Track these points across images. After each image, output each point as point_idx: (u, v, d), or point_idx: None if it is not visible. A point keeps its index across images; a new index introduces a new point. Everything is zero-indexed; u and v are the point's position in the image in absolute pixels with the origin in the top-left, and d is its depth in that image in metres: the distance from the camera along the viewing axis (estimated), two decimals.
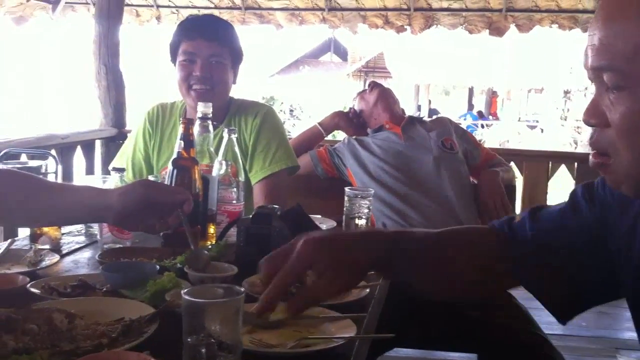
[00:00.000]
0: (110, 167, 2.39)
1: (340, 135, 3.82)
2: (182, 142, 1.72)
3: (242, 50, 2.41)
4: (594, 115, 0.91)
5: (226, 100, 2.41)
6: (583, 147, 17.81)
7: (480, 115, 22.54)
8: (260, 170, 2.31)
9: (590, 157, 0.93)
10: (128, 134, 4.63)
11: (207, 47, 2.27)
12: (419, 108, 22.27)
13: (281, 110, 18.82)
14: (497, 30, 5.32)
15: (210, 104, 1.90)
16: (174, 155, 1.73)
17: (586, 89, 18.79)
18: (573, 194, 1.18)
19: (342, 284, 1.10)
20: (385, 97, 2.84)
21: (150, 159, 2.42)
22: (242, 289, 0.97)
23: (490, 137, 17.52)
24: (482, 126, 19.63)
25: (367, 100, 2.88)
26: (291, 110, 21.55)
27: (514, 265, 1.19)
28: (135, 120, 2.54)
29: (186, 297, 0.93)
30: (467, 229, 1.34)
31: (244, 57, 2.42)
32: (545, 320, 2.26)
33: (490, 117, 22.29)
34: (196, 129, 1.83)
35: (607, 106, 0.88)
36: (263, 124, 2.35)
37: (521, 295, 2.32)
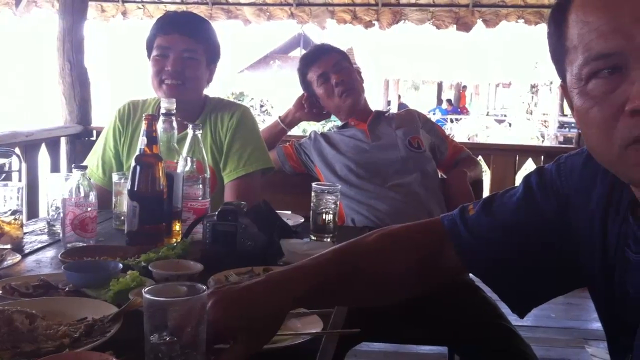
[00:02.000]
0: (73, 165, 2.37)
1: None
2: (145, 139, 1.70)
3: (219, 48, 2.39)
4: None
5: (199, 97, 2.39)
6: (549, 141, 18.07)
7: (450, 103, 22.70)
8: (234, 171, 2.31)
9: None
10: (94, 131, 4.62)
11: (181, 42, 2.25)
12: (388, 103, 22.35)
13: (251, 106, 18.73)
14: (464, 26, 5.35)
15: (174, 100, 1.88)
16: (137, 152, 1.71)
17: (551, 83, 19.03)
18: (526, 182, 1.16)
19: (261, 340, 1.03)
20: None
21: (120, 157, 2.39)
22: (205, 287, 0.96)
23: (459, 131, 17.64)
24: (451, 120, 19.77)
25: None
26: (261, 106, 21.48)
27: (469, 259, 1.17)
28: (101, 117, 2.51)
29: (147, 295, 0.92)
30: (408, 230, 1.30)
31: (220, 56, 2.40)
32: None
33: (460, 110, 22.44)
34: (160, 125, 1.80)
35: None
36: (239, 124, 2.34)
37: (488, 289, 2.36)
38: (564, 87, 0.97)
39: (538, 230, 1.10)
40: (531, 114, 18.91)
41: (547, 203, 1.11)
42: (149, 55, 2.33)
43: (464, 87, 23.81)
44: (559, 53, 0.93)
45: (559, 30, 0.92)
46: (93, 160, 2.41)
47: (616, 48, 0.83)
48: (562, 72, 0.95)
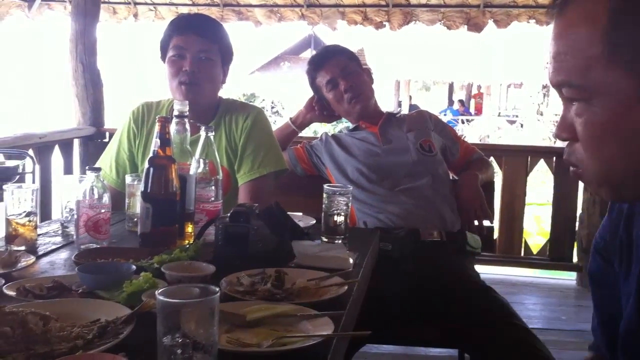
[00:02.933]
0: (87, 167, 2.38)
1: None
2: (159, 141, 1.71)
3: (232, 49, 2.41)
4: (564, 130, 0.93)
5: (215, 98, 2.41)
6: (561, 142, 17.97)
7: (462, 104, 22.63)
8: (247, 173, 2.32)
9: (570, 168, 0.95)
10: (107, 133, 4.64)
11: (197, 43, 2.27)
12: (399, 104, 22.32)
13: (262, 107, 18.78)
14: (476, 26, 5.34)
15: (187, 102, 1.89)
16: (151, 154, 1.72)
17: None
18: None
19: None
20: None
21: (134, 159, 2.40)
22: (217, 289, 0.97)
23: (471, 132, 17.60)
24: (463, 121, 19.72)
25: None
26: (272, 107, 21.53)
27: None
28: (114, 119, 2.53)
29: (160, 297, 0.92)
30: None
31: (233, 57, 2.42)
32: (525, 315, 2.31)
33: (475, 111, 22.36)
34: (173, 127, 1.81)
35: (572, 119, 0.90)
36: (253, 126, 2.35)
37: (501, 290, 2.36)
38: None
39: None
40: (542, 114, 18.82)
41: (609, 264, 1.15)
42: (163, 57, 2.35)
43: (479, 86, 23.70)
44: None
45: None
46: (106, 161, 2.43)
47: None
48: None
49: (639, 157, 0.87)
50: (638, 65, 0.83)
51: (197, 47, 2.27)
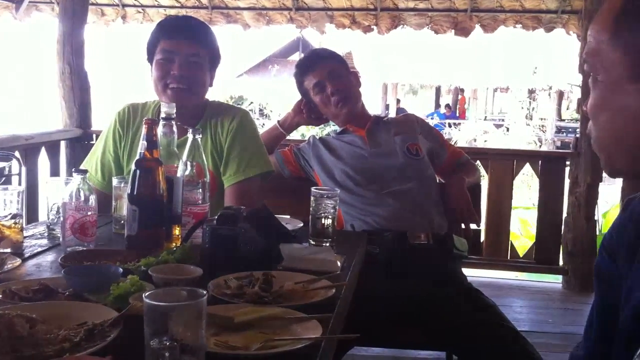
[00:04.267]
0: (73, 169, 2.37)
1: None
2: (146, 143, 1.70)
3: (220, 52, 2.41)
4: (585, 104, 1.06)
5: (202, 101, 2.41)
6: (547, 146, 18.10)
7: (449, 108, 22.73)
8: (234, 175, 2.32)
9: None
10: (94, 135, 4.62)
11: (186, 47, 2.27)
12: (387, 107, 22.37)
13: (251, 110, 18.79)
14: (463, 31, 5.37)
15: (174, 105, 1.89)
16: (137, 156, 1.71)
17: (550, 88, 19.07)
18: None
19: None
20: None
21: (120, 161, 2.39)
22: (205, 292, 0.97)
23: (457, 136, 17.67)
24: (450, 125, 19.79)
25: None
26: (260, 110, 21.51)
27: None
28: (101, 121, 2.52)
29: (147, 300, 0.92)
30: None
31: (221, 60, 2.42)
32: (512, 317, 2.31)
33: (458, 115, 22.46)
34: (160, 129, 1.81)
35: None
36: (239, 128, 2.35)
37: (487, 293, 2.37)
38: None
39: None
40: (531, 119, 18.94)
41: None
42: (149, 59, 2.34)
43: (462, 90, 23.83)
44: None
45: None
46: (91, 163, 2.41)
47: None
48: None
49: (624, 130, 1.01)
50: (632, 49, 0.97)
51: (186, 51, 2.26)
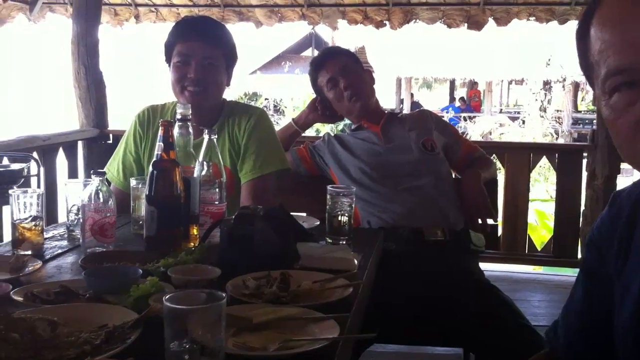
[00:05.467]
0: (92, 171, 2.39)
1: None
2: (162, 144, 1.72)
3: (236, 51, 2.42)
4: None
5: (219, 102, 2.43)
6: (563, 138, 17.96)
7: (463, 101, 22.62)
8: (250, 172, 2.33)
9: None
10: (111, 135, 4.66)
11: (201, 49, 2.28)
12: (401, 102, 22.31)
13: (265, 107, 18.82)
14: (476, 24, 5.33)
15: (189, 105, 1.90)
16: (154, 158, 1.72)
17: (564, 79, 18.91)
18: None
19: None
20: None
21: (141, 161, 2.43)
22: (224, 294, 0.97)
23: (473, 129, 17.58)
24: (465, 119, 19.69)
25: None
26: (275, 106, 21.53)
27: None
28: (118, 121, 2.54)
29: (167, 303, 0.93)
30: None
31: (237, 58, 2.43)
32: (531, 312, 2.31)
33: (472, 108, 22.35)
34: (176, 130, 1.82)
35: None
36: (256, 125, 2.38)
37: (505, 287, 2.36)
38: (595, 97, 1.00)
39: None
40: (545, 111, 18.80)
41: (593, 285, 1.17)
42: (167, 60, 2.36)
43: (475, 83, 23.70)
44: (586, 67, 0.97)
45: (584, 46, 0.96)
46: (114, 164, 2.46)
47: (630, 63, 0.87)
48: (591, 85, 0.99)
49: None
50: None
51: (202, 54, 2.28)
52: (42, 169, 4.03)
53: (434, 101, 25.71)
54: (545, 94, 19.48)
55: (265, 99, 21.67)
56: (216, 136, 1.95)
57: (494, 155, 4.51)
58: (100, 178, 1.75)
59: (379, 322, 1.81)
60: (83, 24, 4.62)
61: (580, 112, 21.68)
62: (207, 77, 2.29)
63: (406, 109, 18.57)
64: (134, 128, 2.44)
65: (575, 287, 1.22)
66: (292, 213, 1.90)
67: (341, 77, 2.68)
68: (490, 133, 17.14)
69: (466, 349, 2.41)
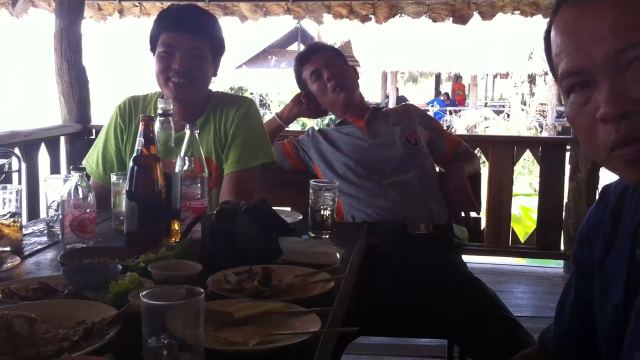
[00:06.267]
0: (86, 165, 2.36)
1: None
2: (143, 140, 1.70)
3: (224, 42, 2.36)
4: (624, 101, 0.88)
5: (205, 93, 2.38)
6: (548, 131, 18.05)
7: (447, 97, 22.67)
8: (235, 163, 2.29)
9: (627, 153, 0.90)
10: (94, 130, 4.62)
11: (187, 40, 2.22)
12: (387, 96, 22.31)
13: None
14: (461, 19, 5.34)
15: (171, 101, 1.88)
16: (135, 153, 1.71)
17: (546, 74, 18.99)
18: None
19: None
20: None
21: (122, 155, 2.38)
22: (202, 290, 0.97)
23: (458, 123, 17.61)
24: (450, 112, 19.74)
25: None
26: (261, 100, 21.48)
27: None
28: (101, 116, 2.49)
29: (145, 299, 0.92)
30: None
31: (225, 48, 2.38)
32: (514, 303, 2.34)
33: (457, 102, 22.41)
34: (158, 125, 1.80)
35: (634, 85, 0.88)
36: (245, 116, 2.33)
37: (489, 279, 2.37)
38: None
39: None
40: (530, 104, 18.87)
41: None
42: (152, 49, 2.30)
43: (460, 77, 23.76)
44: (551, 68, 1.02)
45: (549, 48, 1.02)
46: (93, 157, 2.40)
47: (581, 66, 0.92)
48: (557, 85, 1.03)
49: None
50: None
51: (187, 45, 2.22)
52: (23, 164, 4.00)
53: (420, 95, 25.72)
54: (530, 88, 19.56)
55: (251, 93, 21.60)
56: (198, 131, 1.93)
57: (478, 148, 4.53)
58: (80, 174, 1.74)
59: (363, 316, 1.82)
60: (66, 19, 4.59)
61: (564, 105, 21.74)
62: (192, 69, 2.23)
63: (392, 104, 18.55)
64: (114, 120, 2.39)
65: (569, 279, 1.25)
66: (275, 207, 1.89)
67: (325, 69, 2.69)
68: (475, 127, 17.18)
69: (450, 340, 2.42)
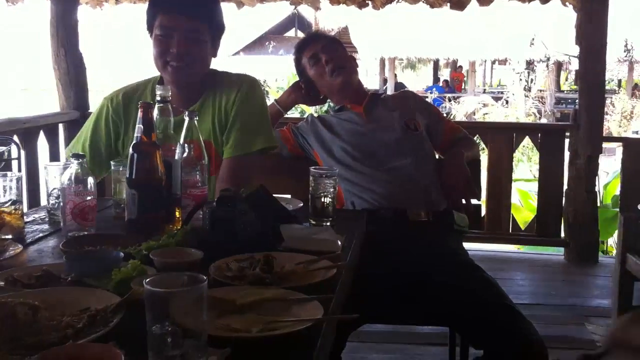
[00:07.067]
0: (68, 154, 2.33)
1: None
2: (142, 127, 1.69)
3: (223, 23, 2.29)
4: None
5: (204, 75, 2.30)
6: (546, 118, 18.05)
7: (447, 84, 22.66)
8: (236, 146, 2.24)
9: None
10: None
11: (184, 23, 2.15)
12: (385, 82, 22.28)
13: None
14: (458, 4, 5.29)
15: (169, 87, 1.87)
16: (134, 141, 1.70)
17: (547, 59, 18.96)
18: None
19: None
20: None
21: (111, 145, 2.33)
22: (205, 277, 0.97)
23: (457, 109, 17.60)
24: (449, 99, 19.72)
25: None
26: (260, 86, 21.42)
27: None
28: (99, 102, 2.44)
29: (148, 287, 0.92)
30: None
31: (225, 28, 2.31)
32: (514, 290, 2.34)
33: (455, 89, 22.40)
34: (156, 112, 1.79)
35: None
36: (247, 96, 2.26)
37: (489, 266, 2.38)
38: None
39: None
40: (529, 90, 18.86)
41: None
42: (149, 29, 2.23)
43: (459, 67, 23.72)
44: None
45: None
46: (78, 147, 2.33)
47: None
48: None
49: None
50: None
51: (185, 27, 2.15)
52: (22, 152, 3.99)
53: (418, 82, 25.70)
54: (529, 74, 19.53)
55: None
56: (197, 118, 1.92)
57: (477, 135, 4.53)
58: (79, 161, 1.73)
59: (364, 303, 1.82)
60: (61, 5, 4.56)
61: (563, 91, 21.79)
62: (190, 53, 2.18)
63: (390, 90, 18.53)
64: (105, 114, 2.33)
65: None
66: (276, 195, 1.89)
67: (323, 54, 2.70)
68: (474, 113, 17.16)
69: (452, 328, 2.43)
